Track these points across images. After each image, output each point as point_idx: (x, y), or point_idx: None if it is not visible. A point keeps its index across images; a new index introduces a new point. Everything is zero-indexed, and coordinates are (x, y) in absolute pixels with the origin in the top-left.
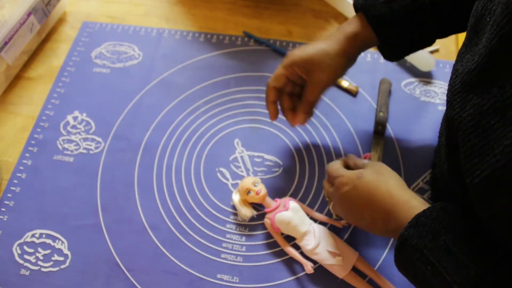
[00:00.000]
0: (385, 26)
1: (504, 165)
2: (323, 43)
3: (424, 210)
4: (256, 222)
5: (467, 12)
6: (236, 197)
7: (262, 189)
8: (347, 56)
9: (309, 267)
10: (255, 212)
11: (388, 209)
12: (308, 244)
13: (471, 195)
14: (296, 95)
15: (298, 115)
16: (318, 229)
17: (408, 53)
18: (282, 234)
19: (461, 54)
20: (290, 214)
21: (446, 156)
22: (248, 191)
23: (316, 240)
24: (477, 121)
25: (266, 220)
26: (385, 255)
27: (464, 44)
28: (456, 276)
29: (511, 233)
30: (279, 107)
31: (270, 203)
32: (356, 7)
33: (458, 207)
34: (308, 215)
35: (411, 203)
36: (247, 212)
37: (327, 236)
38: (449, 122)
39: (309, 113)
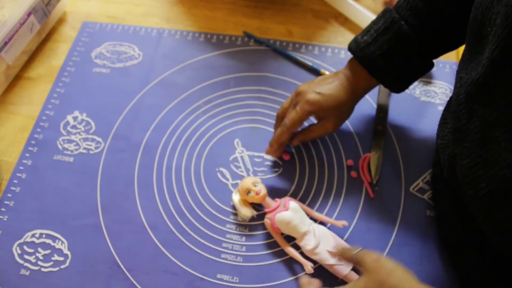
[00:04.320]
0: (377, 65)
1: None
2: (336, 91)
3: None
4: (256, 222)
5: (455, 33)
6: (236, 197)
7: (262, 189)
8: (355, 103)
9: (309, 267)
10: (255, 212)
11: None
12: (308, 244)
13: (474, 206)
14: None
15: (293, 142)
16: (318, 229)
17: (410, 83)
18: (282, 234)
19: (465, 61)
20: (290, 214)
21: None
22: (248, 191)
23: (316, 240)
24: (483, 133)
25: (266, 220)
26: (385, 255)
27: (468, 51)
28: None
29: None
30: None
31: (270, 203)
32: (350, 50)
33: None
34: (308, 215)
35: None
36: (247, 212)
37: (327, 236)
38: (455, 132)
39: (298, 144)
